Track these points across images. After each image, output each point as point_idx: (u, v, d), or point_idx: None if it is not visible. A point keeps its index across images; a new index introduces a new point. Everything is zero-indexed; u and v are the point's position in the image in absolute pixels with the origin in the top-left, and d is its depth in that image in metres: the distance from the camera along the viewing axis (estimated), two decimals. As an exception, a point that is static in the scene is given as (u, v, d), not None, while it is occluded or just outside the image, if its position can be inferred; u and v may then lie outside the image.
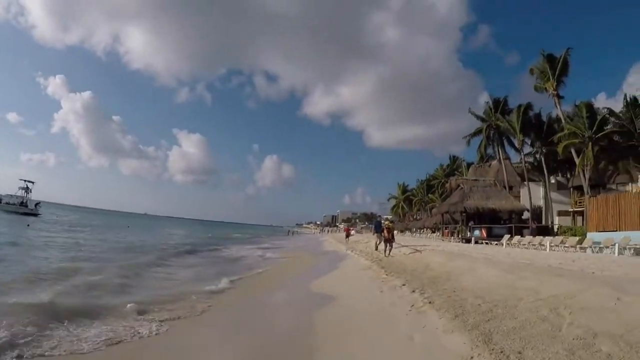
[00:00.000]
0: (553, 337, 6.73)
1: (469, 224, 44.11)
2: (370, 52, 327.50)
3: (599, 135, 40.99)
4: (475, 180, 49.55)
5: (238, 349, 8.44)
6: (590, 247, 25.49)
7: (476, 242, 37.16)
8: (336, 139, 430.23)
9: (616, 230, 26.41)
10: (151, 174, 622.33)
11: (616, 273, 12.41)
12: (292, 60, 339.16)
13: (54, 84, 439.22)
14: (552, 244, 27.81)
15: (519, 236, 36.34)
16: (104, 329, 9.33)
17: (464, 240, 41.71)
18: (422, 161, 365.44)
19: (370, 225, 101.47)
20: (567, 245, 27.66)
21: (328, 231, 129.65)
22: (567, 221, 50.74)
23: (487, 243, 35.93)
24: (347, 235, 53.21)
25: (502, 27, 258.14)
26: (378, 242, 26.79)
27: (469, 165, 72.87)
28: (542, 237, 33.36)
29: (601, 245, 24.69)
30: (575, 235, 32.85)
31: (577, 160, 43.33)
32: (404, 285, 12.94)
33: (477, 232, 41.73)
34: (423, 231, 77.63)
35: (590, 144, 40.64)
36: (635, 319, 7.19)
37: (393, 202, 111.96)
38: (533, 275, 12.17)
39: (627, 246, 22.40)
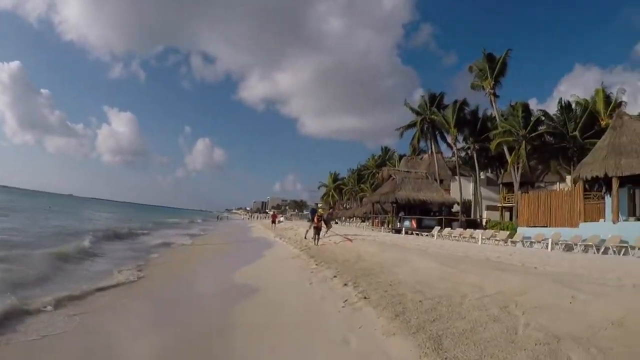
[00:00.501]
0: (512, 342, 5.85)
1: (400, 215, 43.74)
2: (311, 41, 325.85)
3: (532, 134, 42.24)
4: (408, 171, 49.35)
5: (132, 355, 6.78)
6: (521, 241, 25.43)
7: (406, 233, 36.84)
8: (269, 125, 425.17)
9: (546, 226, 26.55)
10: (78, 153, 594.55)
11: (559, 269, 11.96)
12: (231, 42, 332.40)
13: None
14: (484, 237, 27.73)
15: (449, 228, 36.48)
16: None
17: (393, 231, 41.35)
18: (354, 152, 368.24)
19: (306, 213, 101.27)
20: (498, 239, 27.64)
21: (257, 217, 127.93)
22: (495, 216, 51.75)
23: (417, 234, 35.59)
24: (273, 222, 54.15)
25: (443, 28, 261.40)
26: (310, 230, 26.10)
27: (400, 157, 73.12)
28: (472, 229, 33.52)
29: (532, 240, 24.61)
30: (504, 230, 33.14)
31: (509, 158, 44.15)
32: (335, 277, 11.89)
33: (407, 223, 41.43)
34: (352, 220, 77.46)
35: (523, 142, 41.54)
36: (596, 320, 6.51)
37: (323, 190, 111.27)
38: (473, 268, 11.59)
39: (559, 242, 22.38)
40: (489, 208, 53.56)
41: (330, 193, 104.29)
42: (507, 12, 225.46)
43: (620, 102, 41.70)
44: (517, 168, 43.54)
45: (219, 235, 41.03)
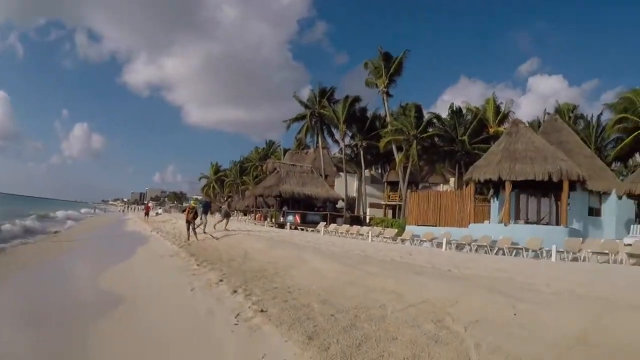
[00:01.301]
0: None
1: (283, 209, 42.34)
2: (203, 28, 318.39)
3: (423, 135, 42.74)
4: (293, 165, 47.64)
5: None
6: (410, 239, 24.77)
7: (290, 228, 35.51)
8: (153, 112, 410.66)
9: (435, 226, 26.27)
10: None
11: (475, 272, 10.86)
12: (120, 21, 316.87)
13: None
14: (372, 235, 26.78)
15: (335, 224, 35.51)
16: None
17: (277, 225, 39.88)
18: (238, 144, 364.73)
19: (187, 205, 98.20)
20: (386, 237, 26.83)
21: (135, 209, 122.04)
22: (378, 213, 52.62)
23: (302, 229, 34.29)
24: (147, 213, 50.98)
25: (338, 27, 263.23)
26: (224, 224, 24.09)
27: (285, 151, 71.85)
28: (358, 226, 32.70)
29: (422, 239, 24.05)
30: (389, 227, 32.84)
31: (397, 157, 44.52)
32: (221, 280, 9.87)
33: (291, 218, 40.07)
34: (234, 213, 75.32)
35: (414, 142, 41.98)
36: (555, 337, 5.32)
37: (204, 182, 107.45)
38: (382, 270, 10.18)
39: (451, 241, 21.83)
40: (372, 205, 53.80)
41: (212, 185, 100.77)
42: (402, 18, 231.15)
43: (509, 112, 43.39)
44: (406, 167, 43.88)
45: (89, 229, 36.03)
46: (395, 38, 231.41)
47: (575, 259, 17.78)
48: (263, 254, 14.20)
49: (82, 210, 79.25)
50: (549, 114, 45.21)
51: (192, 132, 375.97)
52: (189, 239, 19.80)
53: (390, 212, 55.55)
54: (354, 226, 32.25)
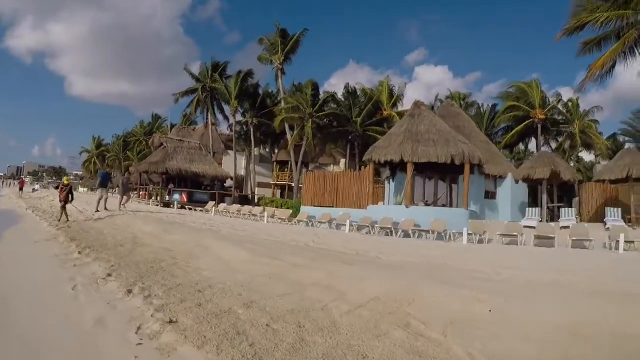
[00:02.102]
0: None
1: (169, 187, 40.04)
2: None
3: (319, 114, 42.04)
4: (181, 140, 44.93)
5: None
6: (307, 221, 23.84)
7: (178, 208, 33.65)
8: (34, 80, 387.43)
9: (333, 207, 25.40)
10: None
11: (408, 258, 10.04)
12: None
13: None
14: (268, 215, 25.56)
15: (224, 204, 34.09)
16: None
17: (162, 204, 37.70)
18: (123, 118, 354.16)
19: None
20: (282, 218, 26.05)
21: (10, 185, 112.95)
22: (266, 193, 51.41)
23: (190, 209, 32.45)
24: (21, 189, 50.08)
25: (232, 5, 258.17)
26: (122, 202, 21.76)
27: (172, 126, 68.47)
28: (249, 206, 31.57)
29: (319, 220, 23.35)
30: (279, 207, 32.64)
31: (289, 135, 43.98)
32: (109, 275, 7.77)
33: (177, 197, 38.11)
34: (115, 191, 71.27)
35: (310, 120, 41.07)
36: (549, 336, 4.49)
37: (85, 156, 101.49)
38: (303, 260, 8.85)
39: (351, 223, 20.98)
40: (260, 185, 52.73)
41: (93, 160, 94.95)
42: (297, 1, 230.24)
43: (401, 96, 43.66)
44: (298, 147, 43.37)
45: None
46: (289, 18, 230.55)
47: (480, 241, 17.67)
48: (156, 239, 12.43)
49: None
50: (441, 100, 46.17)
51: (75, 103, 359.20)
52: (60, 220, 17.30)
53: (278, 192, 54.71)
54: (246, 206, 31.06)
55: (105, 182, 21.43)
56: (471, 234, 17.64)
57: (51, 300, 6.53)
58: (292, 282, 7.12)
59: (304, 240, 13.02)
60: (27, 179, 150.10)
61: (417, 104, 25.26)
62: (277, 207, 33.36)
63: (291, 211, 27.46)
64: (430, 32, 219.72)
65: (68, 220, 17.29)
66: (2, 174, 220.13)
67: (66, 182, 18.85)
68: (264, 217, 25.46)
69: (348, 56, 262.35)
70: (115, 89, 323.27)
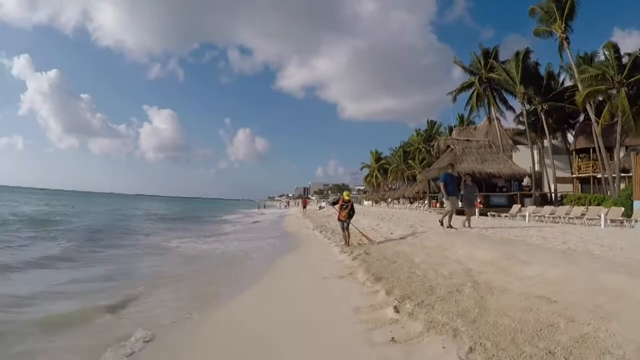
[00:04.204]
0: None
1: (461, 192, 36.13)
2: (345, 25, 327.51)
3: (630, 80, 33.03)
4: (468, 140, 41.06)
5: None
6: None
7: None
8: (309, 111, 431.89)
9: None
10: (122, 153, 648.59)
11: None
12: (267, 33, 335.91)
13: (18, 65, 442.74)
14: (605, 217, 20.12)
15: (534, 206, 29.29)
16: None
17: (456, 212, 34.18)
18: (393, 132, 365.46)
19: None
20: (620, 219, 20.24)
21: (297, 204, 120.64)
22: (565, 188, 44.33)
23: (494, 215, 28.21)
24: (304, 207, 55.14)
25: (477, 1, 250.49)
26: (468, 216, 17.36)
27: (450, 129, 64.89)
28: (552, 207, 27.05)
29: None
30: (584, 205, 27.69)
31: (593, 115, 36.44)
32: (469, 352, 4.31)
33: (472, 202, 34.28)
34: (399, 202, 70.24)
35: (622, 90, 32.67)
36: None
37: (366, 171, 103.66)
38: None
39: None
40: (558, 180, 45.50)
41: (374, 173, 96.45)
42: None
43: None
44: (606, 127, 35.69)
45: (245, 231, 31.36)
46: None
47: None
48: (504, 273, 7.94)
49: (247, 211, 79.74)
50: None
51: (348, 125, 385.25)
52: (348, 244, 14.75)
53: (581, 186, 47.09)
54: (561, 207, 26.10)
55: (450, 189, 16.46)
56: None
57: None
58: None
59: None
60: (313, 197, 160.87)
61: None
62: (584, 205, 27.64)
63: (622, 209, 21.62)
64: None
65: (347, 242, 14.84)
66: (290, 195, 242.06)
67: (347, 198, 15.75)
68: (598, 219, 20.19)
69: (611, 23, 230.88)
70: (382, 105, 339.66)
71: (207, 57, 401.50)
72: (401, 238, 14.73)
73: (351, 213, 15.31)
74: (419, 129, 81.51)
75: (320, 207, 61.46)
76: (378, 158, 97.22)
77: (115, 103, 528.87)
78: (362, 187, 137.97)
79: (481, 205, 32.98)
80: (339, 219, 15.51)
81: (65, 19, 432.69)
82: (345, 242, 14.88)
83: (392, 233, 16.30)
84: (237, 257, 15.98)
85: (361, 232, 15.98)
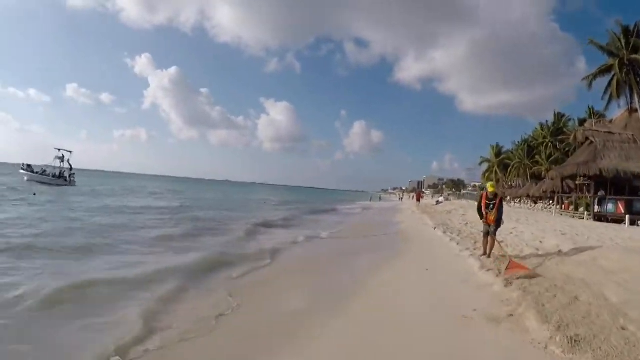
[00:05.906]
0: None
1: (599, 194, 30.96)
2: (463, 15, 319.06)
3: None
4: (610, 133, 35.47)
5: None
6: None
7: (610, 221, 27.08)
8: (426, 104, 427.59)
9: None
10: (240, 143, 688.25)
11: None
12: (383, 25, 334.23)
13: (141, 64, 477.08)
14: None
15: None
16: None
17: (594, 217, 29.43)
18: (514, 127, 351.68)
19: (466, 193, 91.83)
20: None
21: (411, 197, 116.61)
22: None
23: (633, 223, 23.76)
24: (418, 200, 56.70)
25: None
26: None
27: (581, 121, 58.12)
28: None
29: None
30: None
31: None
32: None
33: (610, 206, 29.41)
34: (521, 201, 64.65)
35: None
36: None
37: (485, 166, 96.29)
38: None
39: None
40: None
41: (494, 169, 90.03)
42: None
43: None
44: None
45: (351, 228, 26.84)
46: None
47: None
48: None
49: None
50: None
51: (466, 119, 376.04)
52: (487, 255, 11.39)
53: None
54: None
55: None
56: None
57: None
58: None
59: None
60: (427, 192, 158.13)
61: None
62: None
63: None
64: None
65: (486, 253, 11.56)
66: (404, 188, 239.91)
67: (492, 189, 11.93)
68: None
69: None
70: (502, 98, 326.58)
71: (324, 50, 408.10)
72: (560, 252, 11.43)
73: (499, 216, 11.49)
74: (545, 122, 74.57)
75: (438, 202, 57.90)
76: (499, 153, 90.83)
77: (233, 96, 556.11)
78: (478, 183, 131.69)
79: (621, 210, 28.18)
80: (485, 221, 11.65)
81: (184, 19, 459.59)
82: (484, 252, 11.66)
83: (541, 242, 13.03)
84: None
85: (498, 243, 11.96)
